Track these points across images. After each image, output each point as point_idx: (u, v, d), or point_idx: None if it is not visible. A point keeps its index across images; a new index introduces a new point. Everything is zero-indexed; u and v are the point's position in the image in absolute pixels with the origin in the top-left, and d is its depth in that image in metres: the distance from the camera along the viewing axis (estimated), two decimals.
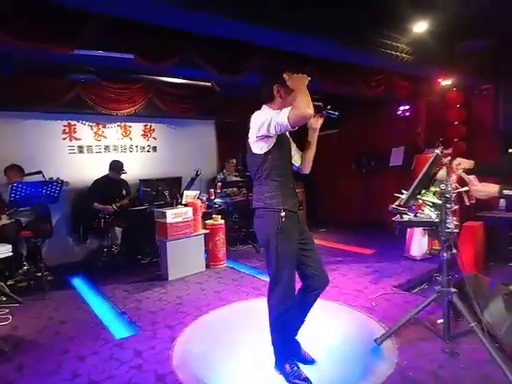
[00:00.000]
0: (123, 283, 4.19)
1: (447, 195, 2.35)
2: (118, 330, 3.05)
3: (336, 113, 2.17)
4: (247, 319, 3.12)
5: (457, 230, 2.43)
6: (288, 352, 2.29)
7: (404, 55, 3.69)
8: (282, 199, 2.10)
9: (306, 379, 2.18)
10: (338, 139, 6.83)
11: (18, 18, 2.45)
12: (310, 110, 1.91)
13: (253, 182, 2.23)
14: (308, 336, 2.51)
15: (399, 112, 6.38)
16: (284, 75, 2.06)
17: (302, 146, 2.33)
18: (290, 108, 1.95)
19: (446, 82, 5.35)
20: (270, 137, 2.05)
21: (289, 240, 2.11)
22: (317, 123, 2.22)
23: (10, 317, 3.38)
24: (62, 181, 4.16)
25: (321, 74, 3.81)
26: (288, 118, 1.92)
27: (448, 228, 2.37)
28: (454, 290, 2.51)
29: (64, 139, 5.39)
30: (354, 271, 4.18)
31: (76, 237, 5.38)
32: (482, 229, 4.49)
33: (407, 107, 6.27)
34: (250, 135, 2.13)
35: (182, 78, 4.58)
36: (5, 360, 2.63)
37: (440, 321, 2.72)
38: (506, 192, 2.06)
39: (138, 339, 2.85)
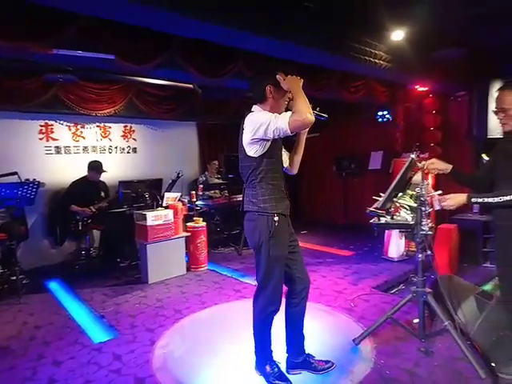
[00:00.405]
0: (102, 286, 4.12)
1: (422, 198, 2.43)
2: (97, 334, 3.00)
3: (325, 115, 2.18)
4: (228, 322, 3.12)
5: (431, 232, 2.51)
6: (269, 353, 2.31)
7: (383, 62, 3.79)
8: (275, 203, 2.11)
9: (287, 380, 2.21)
10: (319, 143, 6.92)
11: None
12: (311, 116, 1.92)
13: (245, 185, 2.21)
14: None
15: (378, 117, 6.54)
16: (278, 76, 2.07)
17: (288, 146, 2.34)
18: (289, 113, 1.96)
19: (422, 89, 5.52)
20: (266, 140, 2.04)
21: (280, 243, 2.13)
22: None
23: None
24: (39, 182, 4.05)
25: (303, 78, 3.85)
26: (288, 123, 1.92)
27: (423, 230, 2.45)
28: (428, 290, 2.60)
29: (41, 139, 5.26)
30: (334, 272, 4.26)
31: (52, 239, 5.25)
32: (456, 231, 4.65)
33: (386, 112, 6.44)
34: (243, 137, 2.10)
35: (164, 80, 4.54)
36: None
37: (416, 320, 2.80)
38: (473, 200, 2.15)
39: (117, 343, 2.81)
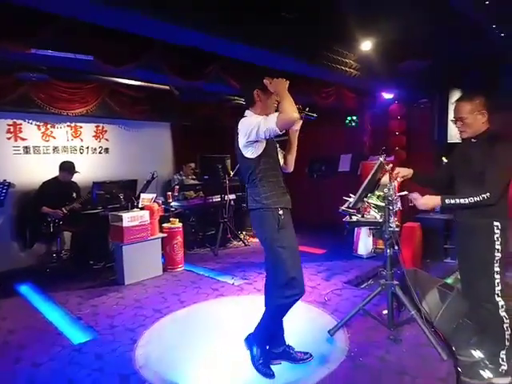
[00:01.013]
0: (76, 289, 4.06)
1: (389, 198, 2.64)
2: (75, 335, 2.98)
3: (314, 114, 2.32)
4: (208, 319, 3.20)
5: (398, 229, 2.72)
6: (268, 340, 2.42)
7: (353, 71, 4.02)
8: (277, 198, 2.24)
9: (270, 369, 2.33)
10: None
11: None
12: (296, 114, 2.07)
13: (246, 185, 2.33)
14: None
15: (347, 122, 6.83)
16: (265, 80, 2.20)
17: (282, 146, 2.49)
18: (276, 114, 2.09)
19: (388, 96, 5.85)
20: (260, 141, 2.18)
21: (289, 234, 2.27)
22: (297, 125, 2.36)
23: None
24: (9, 183, 3.97)
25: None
26: (276, 123, 2.06)
27: (390, 227, 2.65)
28: (396, 282, 2.81)
29: (8, 139, 5.10)
30: (308, 269, 4.42)
31: (21, 242, 5.08)
32: (420, 229, 4.97)
33: (354, 118, 6.74)
34: (239, 141, 2.23)
35: (140, 81, 4.55)
36: None
37: (385, 311, 3.01)
38: (447, 201, 2.34)
39: (98, 343, 2.82)
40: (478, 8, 2.80)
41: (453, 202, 2.27)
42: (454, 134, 5.01)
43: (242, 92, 2.40)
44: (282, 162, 2.46)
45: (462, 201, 2.24)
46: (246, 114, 2.31)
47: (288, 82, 2.17)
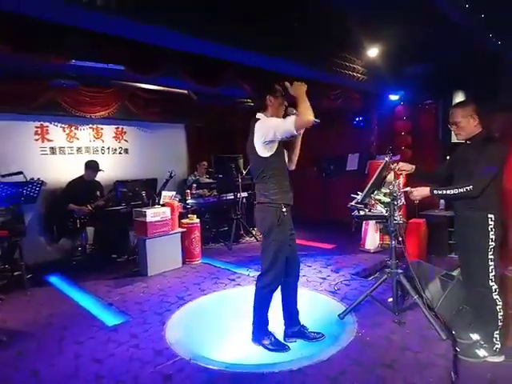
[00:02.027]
0: (103, 279, 4.39)
1: (394, 194, 2.91)
2: (109, 318, 3.30)
3: (317, 120, 2.54)
4: (227, 304, 3.51)
5: (401, 222, 2.99)
6: (266, 327, 2.70)
7: (359, 75, 4.28)
8: (283, 195, 2.52)
9: (284, 345, 2.62)
10: (301, 145, 7.40)
11: (20, 32, 2.67)
12: (312, 117, 2.33)
13: (255, 180, 2.61)
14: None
15: (355, 122, 7.09)
16: (286, 83, 2.47)
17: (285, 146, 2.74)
18: (294, 117, 2.36)
19: (394, 98, 6.09)
20: (275, 141, 2.45)
21: (285, 230, 2.56)
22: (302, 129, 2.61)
23: None
24: (42, 181, 4.29)
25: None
26: (294, 124, 2.32)
27: (395, 220, 2.92)
28: (400, 271, 3.08)
29: (36, 140, 5.44)
30: (318, 262, 4.71)
31: (49, 237, 5.43)
32: (425, 225, 5.21)
33: (361, 118, 6.99)
34: (255, 141, 2.48)
35: (158, 85, 4.86)
36: (4, 348, 2.81)
37: (390, 299, 3.28)
38: (435, 192, 2.64)
39: (131, 325, 3.13)
40: (472, 20, 3.05)
41: (440, 192, 2.56)
42: None
43: (255, 97, 2.67)
44: (286, 160, 2.71)
45: (447, 192, 2.52)
46: (258, 117, 2.58)
47: (306, 85, 2.43)
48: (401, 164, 2.89)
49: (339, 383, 2.24)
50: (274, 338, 2.68)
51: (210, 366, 2.45)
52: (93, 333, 3.02)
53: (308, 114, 2.32)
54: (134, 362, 2.54)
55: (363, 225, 5.34)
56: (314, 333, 2.79)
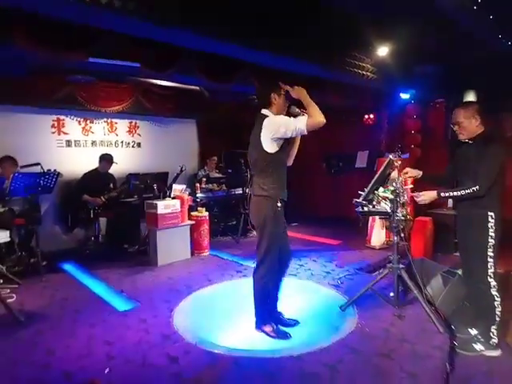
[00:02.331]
0: (115, 268, 4.56)
1: (397, 191, 2.98)
2: (120, 304, 3.46)
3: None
4: (233, 294, 3.64)
5: (404, 218, 3.05)
6: (267, 315, 2.82)
7: (370, 74, 4.34)
8: (280, 191, 2.65)
9: (286, 334, 2.74)
10: (311, 142, 7.47)
11: (45, 30, 2.82)
12: (323, 119, 2.46)
13: (254, 173, 2.73)
14: (290, 305, 3.14)
15: (365, 120, 7.12)
16: (288, 88, 2.60)
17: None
18: (306, 117, 2.48)
19: (405, 96, 6.11)
20: (282, 139, 2.56)
21: (279, 223, 2.67)
22: None
23: (14, 295, 3.69)
24: (59, 173, 4.47)
25: (303, 86, 4.38)
26: (306, 125, 2.45)
27: (397, 216, 3.00)
28: (402, 266, 3.16)
29: (53, 133, 5.64)
30: (323, 257, 4.80)
31: (63, 226, 5.64)
32: (432, 223, 5.24)
33: (372, 116, 7.02)
34: (262, 136, 2.57)
35: (174, 82, 4.99)
36: (23, 327, 2.99)
37: (391, 294, 3.36)
38: (442, 194, 2.69)
39: (140, 311, 3.28)
40: (481, 22, 3.08)
41: (447, 194, 2.62)
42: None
43: (260, 94, 2.79)
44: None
45: (455, 193, 2.58)
46: (264, 113, 2.67)
47: (305, 89, 2.56)
48: (407, 169, 2.95)
49: (337, 371, 2.34)
50: (276, 326, 2.80)
51: (215, 350, 2.58)
52: (105, 317, 3.17)
53: (319, 116, 2.46)
54: (142, 345, 2.69)
55: (369, 222, 5.40)
56: (290, 319, 2.94)
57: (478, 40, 4.04)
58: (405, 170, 2.96)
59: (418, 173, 2.95)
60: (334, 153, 7.59)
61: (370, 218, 5.43)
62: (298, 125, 2.47)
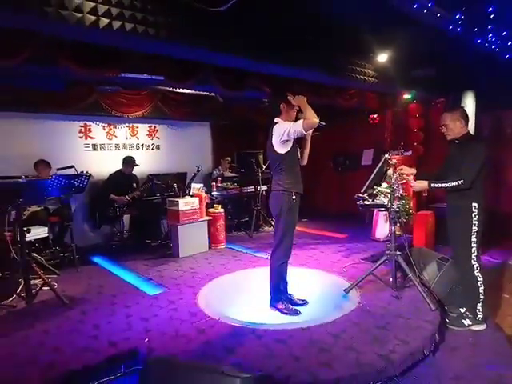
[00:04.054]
0: (141, 260, 5.04)
1: (393, 186, 3.37)
2: (149, 289, 3.92)
3: (323, 123, 3.06)
4: (248, 280, 4.09)
5: (398, 210, 3.44)
6: (281, 294, 3.26)
7: (370, 78, 4.71)
8: (294, 185, 3.11)
9: (296, 311, 3.17)
10: (318, 141, 7.85)
11: (84, 53, 3.30)
12: (316, 120, 2.90)
13: (272, 172, 3.21)
14: (300, 290, 3.56)
15: (370, 120, 7.48)
16: (289, 97, 3.05)
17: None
18: (302, 120, 2.92)
19: (407, 96, 6.45)
20: (289, 140, 3.02)
21: (294, 214, 3.14)
22: (311, 130, 3.14)
23: (55, 283, 4.18)
24: (90, 174, 4.95)
25: (307, 91, 4.78)
26: (302, 126, 2.90)
27: (393, 208, 3.39)
28: (399, 252, 3.54)
29: (80, 138, 6.15)
30: (330, 249, 5.21)
31: (92, 223, 6.15)
32: (433, 217, 5.57)
33: (376, 116, 7.37)
34: (273, 140, 3.07)
35: (191, 90, 5.45)
36: (70, 308, 3.47)
37: (391, 279, 3.74)
38: (432, 185, 3.08)
39: (168, 294, 3.74)
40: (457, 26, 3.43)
41: (436, 185, 3.01)
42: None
43: (271, 104, 3.23)
44: (299, 156, 3.25)
45: (442, 185, 2.97)
46: (276, 121, 3.16)
47: (306, 97, 3.00)
48: (402, 167, 3.34)
49: (340, 339, 2.75)
50: (288, 303, 3.22)
51: (236, 324, 3.02)
52: (138, 300, 3.64)
53: (313, 117, 2.90)
54: (174, 321, 3.14)
55: (374, 216, 5.77)
56: (299, 299, 3.37)
57: (466, 41, 4.32)
58: (400, 167, 3.35)
59: (412, 170, 3.34)
60: (341, 151, 7.96)
61: (375, 212, 5.81)
62: (296, 127, 2.93)
